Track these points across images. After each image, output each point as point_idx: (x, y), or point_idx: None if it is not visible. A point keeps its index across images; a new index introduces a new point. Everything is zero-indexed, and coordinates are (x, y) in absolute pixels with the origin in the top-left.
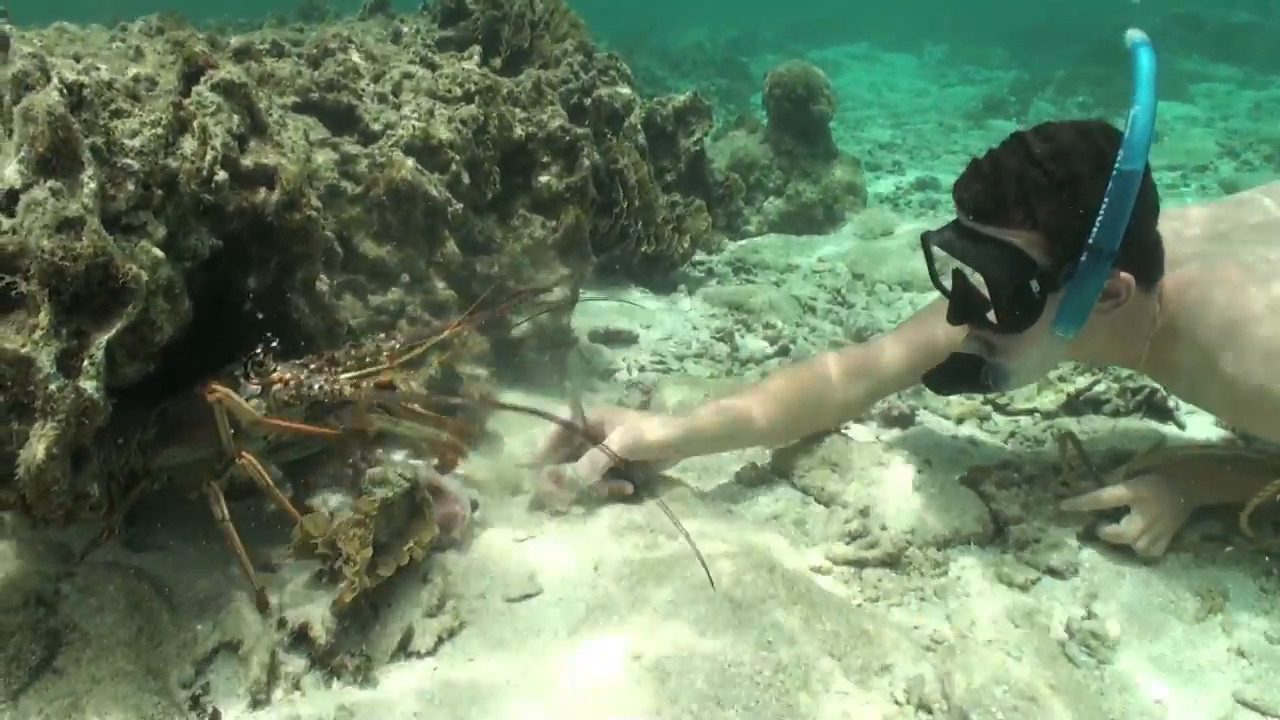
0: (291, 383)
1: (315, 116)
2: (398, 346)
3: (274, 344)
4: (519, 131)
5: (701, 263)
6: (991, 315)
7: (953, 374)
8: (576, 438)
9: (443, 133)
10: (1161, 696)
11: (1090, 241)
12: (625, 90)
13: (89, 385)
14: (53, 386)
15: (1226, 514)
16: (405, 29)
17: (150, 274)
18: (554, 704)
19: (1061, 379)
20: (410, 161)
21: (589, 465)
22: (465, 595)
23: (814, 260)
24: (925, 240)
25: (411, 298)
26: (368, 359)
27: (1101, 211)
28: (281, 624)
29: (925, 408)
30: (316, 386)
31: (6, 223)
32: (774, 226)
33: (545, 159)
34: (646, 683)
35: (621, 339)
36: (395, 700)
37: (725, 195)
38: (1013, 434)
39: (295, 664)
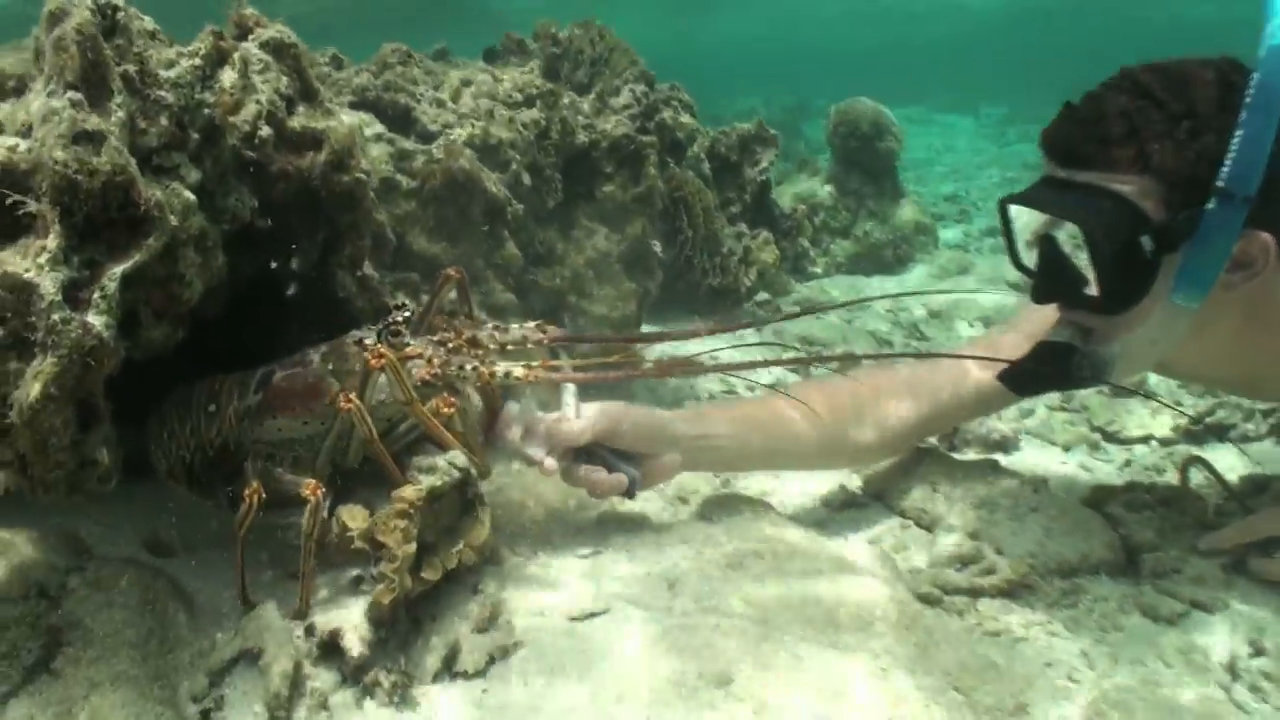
0: (437, 361)
1: (371, 114)
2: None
3: (407, 313)
4: (582, 138)
5: (768, 302)
6: (1090, 290)
7: (1038, 368)
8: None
9: (503, 132)
10: None
11: (1220, 184)
12: (688, 119)
13: (98, 321)
14: (56, 316)
15: None
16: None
17: (181, 220)
18: None
19: (1178, 402)
20: (469, 151)
21: (564, 430)
22: (522, 610)
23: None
24: (1004, 205)
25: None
26: (511, 346)
27: (1234, 147)
28: (310, 631)
29: (1027, 433)
30: (470, 367)
31: (23, 144)
32: (841, 269)
33: (609, 169)
34: (733, 714)
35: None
36: None
37: (793, 228)
38: (1128, 463)
39: (324, 679)
